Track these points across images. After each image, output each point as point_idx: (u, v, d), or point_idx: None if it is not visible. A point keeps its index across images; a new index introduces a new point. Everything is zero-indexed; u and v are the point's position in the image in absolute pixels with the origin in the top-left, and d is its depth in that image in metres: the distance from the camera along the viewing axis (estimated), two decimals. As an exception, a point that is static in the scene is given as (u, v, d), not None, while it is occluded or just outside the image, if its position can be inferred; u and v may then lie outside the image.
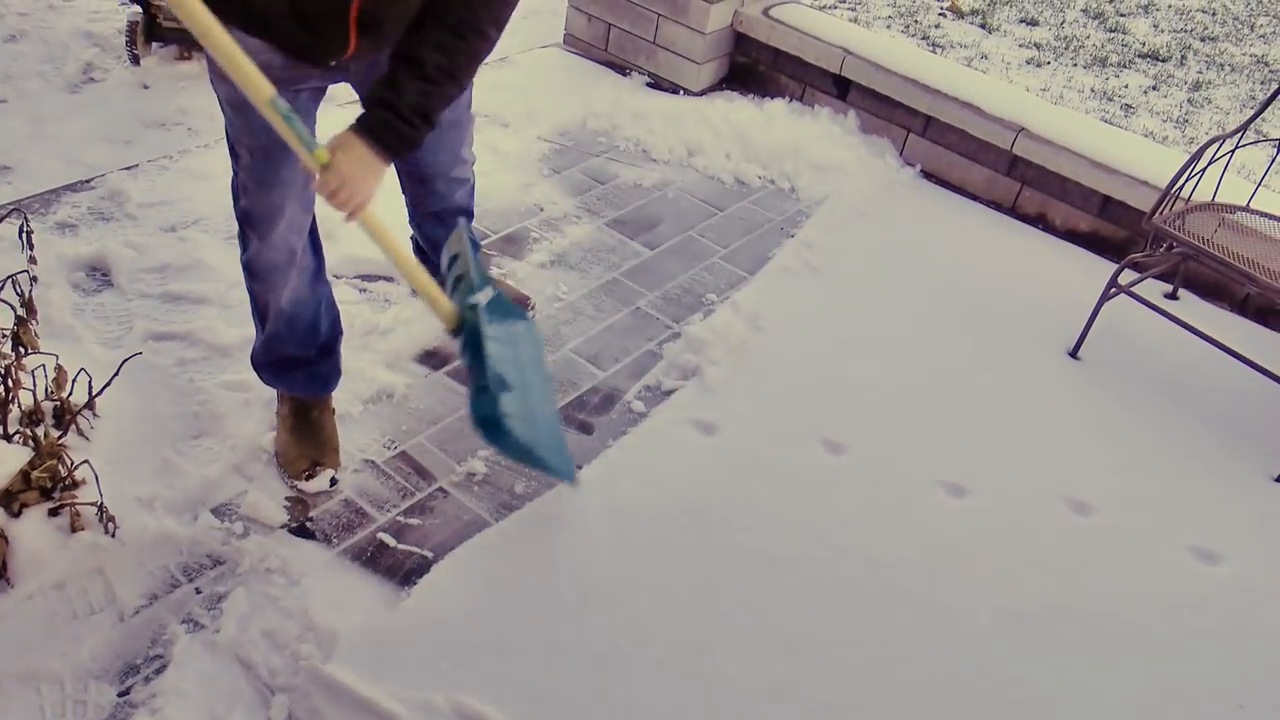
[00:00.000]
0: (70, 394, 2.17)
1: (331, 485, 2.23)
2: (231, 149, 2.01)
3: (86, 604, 1.93)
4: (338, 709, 1.80)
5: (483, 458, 2.37)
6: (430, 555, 2.14)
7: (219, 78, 1.88)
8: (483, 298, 1.96)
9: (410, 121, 1.77)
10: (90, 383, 2.17)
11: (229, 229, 2.91)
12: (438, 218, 2.52)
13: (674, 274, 3.11)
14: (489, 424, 1.87)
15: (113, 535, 2.02)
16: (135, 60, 3.65)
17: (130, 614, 1.94)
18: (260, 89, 1.64)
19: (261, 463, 2.26)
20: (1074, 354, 2.96)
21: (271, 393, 2.41)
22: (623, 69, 4.16)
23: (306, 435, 2.27)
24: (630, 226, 3.28)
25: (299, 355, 2.25)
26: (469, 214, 2.59)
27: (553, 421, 2.24)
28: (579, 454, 2.41)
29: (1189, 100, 4.97)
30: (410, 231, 2.63)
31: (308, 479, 2.22)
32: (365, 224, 1.81)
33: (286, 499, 2.20)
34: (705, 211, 3.44)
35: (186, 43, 3.71)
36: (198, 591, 2.00)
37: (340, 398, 2.40)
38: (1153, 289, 3.21)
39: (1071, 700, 2.03)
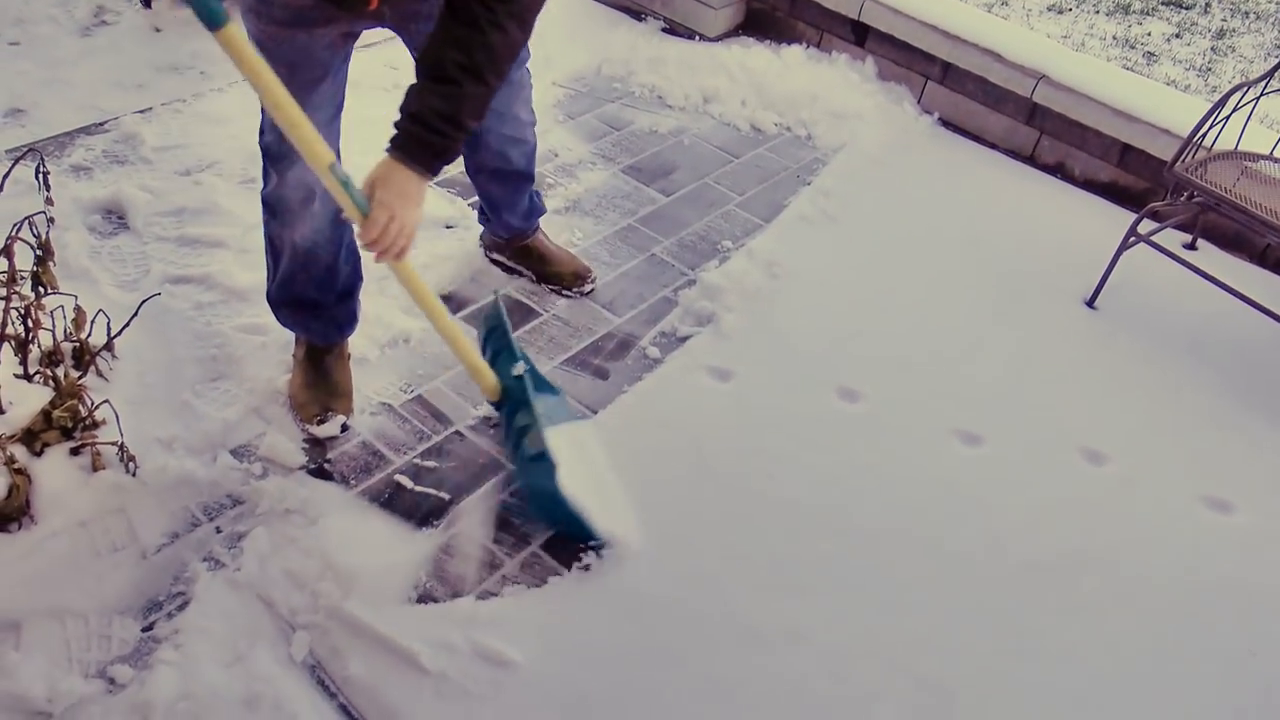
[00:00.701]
0: (89, 335, 2.18)
1: (343, 431, 2.24)
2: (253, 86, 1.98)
3: (109, 542, 1.96)
4: (357, 646, 1.82)
5: (499, 402, 2.37)
6: (447, 497, 2.16)
7: (249, 11, 1.86)
8: (520, 369, 2.06)
9: (439, 130, 1.71)
10: (109, 324, 2.18)
11: (244, 173, 2.92)
12: (495, 176, 2.49)
13: (689, 221, 3.09)
14: (546, 493, 1.95)
15: (133, 475, 2.04)
16: (147, 3, 3.61)
17: (152, 552, 1.96)
18: (320, 156, 1.66)
19: (279, 405, 2.28)
20: (1091, 304, 2.94)
21: (288, 336, 2.42)
22: (638, 14, 4.11)
23: (319, 380, 2.27)
24: (646, 173, 3.26)
25: (316, 299, 2.24)
26: (529, 177, 2.56)
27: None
28: (594, 399, 2.42)
29: (1213, 48, 4.89)
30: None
31: (319, 424, 2.22)
32: (408, 278, 1.82)
33: (305, 441, 2.22)
34: (721, 159, 3.41)
35: (198, -15, 3.67)
36: (218, 530, 2.02)
37: (357, 342, 2.41)
38: (1171, 240, 3.18)
39: (1085, 646, 2.04)
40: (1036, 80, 3.49)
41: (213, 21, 1.54)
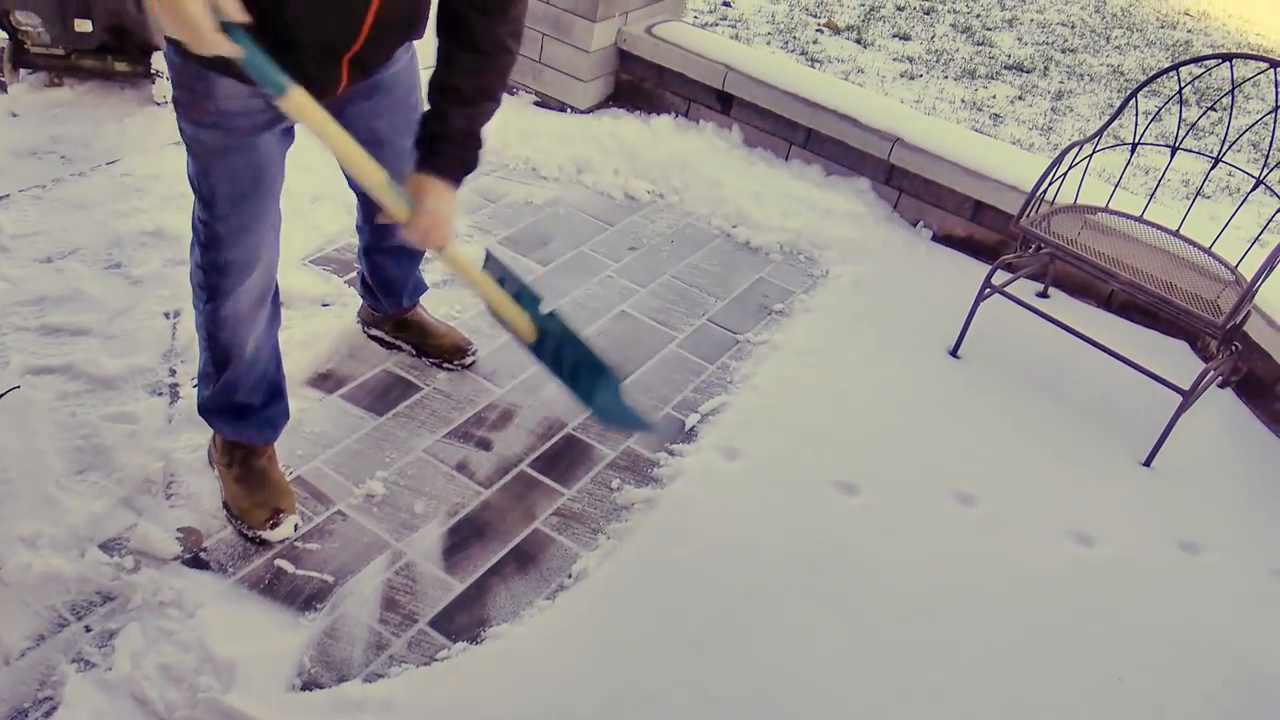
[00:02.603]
0: (-57, 433, 2.09)
1: (296, 530, 2.18)
2: (204, 199, 1.91)
3: (-32, 649, 1.86)
4: (240, 739, 1.77)
5: (381, 479, 2.35)
6: (330, 579, 2.12)
7: (199, 123, 1.81)
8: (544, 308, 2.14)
9: (466, 146, 1.89)
10: (-35, 420, 2.09)
11: (108, 257, 2.85)
12: (392, 253, 2.49)
13: (568, 289, 3.14)
14: (616, 404, 2.12)
15: (-6, 576, 1.95)
16: (2, 88, 3.52)
17: (16, 656, 1.87)
18: (375, 176, 1.79)
19: (150, 495, 2.21)
20: (954, 353, 3.08)
21: (159, 423, 2.37)
22: (510, 89, 4.19)
23: (257, 483, 2.19)
24: (523, 244, 3.30)
25: (250, 402, 2.18)
26: (421, 253, 2.57)
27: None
28: (484, 471, 2.42)
29: (1053, 109, 5.22)
30: (359, 267, 2.61)
31: (273, 528, 2.14)
32: (451, 259, 1.95)
33: (179, 530, 2.15)
34: (597, 227, 3.48)
35: (56, 68, 3.60)
36: (88, 629, 1.94)
37: (232, 425, 2.36)
38: (1025, 289, 3.37)
39: (962, 680, 2.11)
40: (892, 143, 3.67)
41: (276, 89, 1.60)
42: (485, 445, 2.52)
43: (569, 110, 4.12)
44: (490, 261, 2.17)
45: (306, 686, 1.90)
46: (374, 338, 2.75)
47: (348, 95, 1.92)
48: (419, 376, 2.68)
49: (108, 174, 3.23)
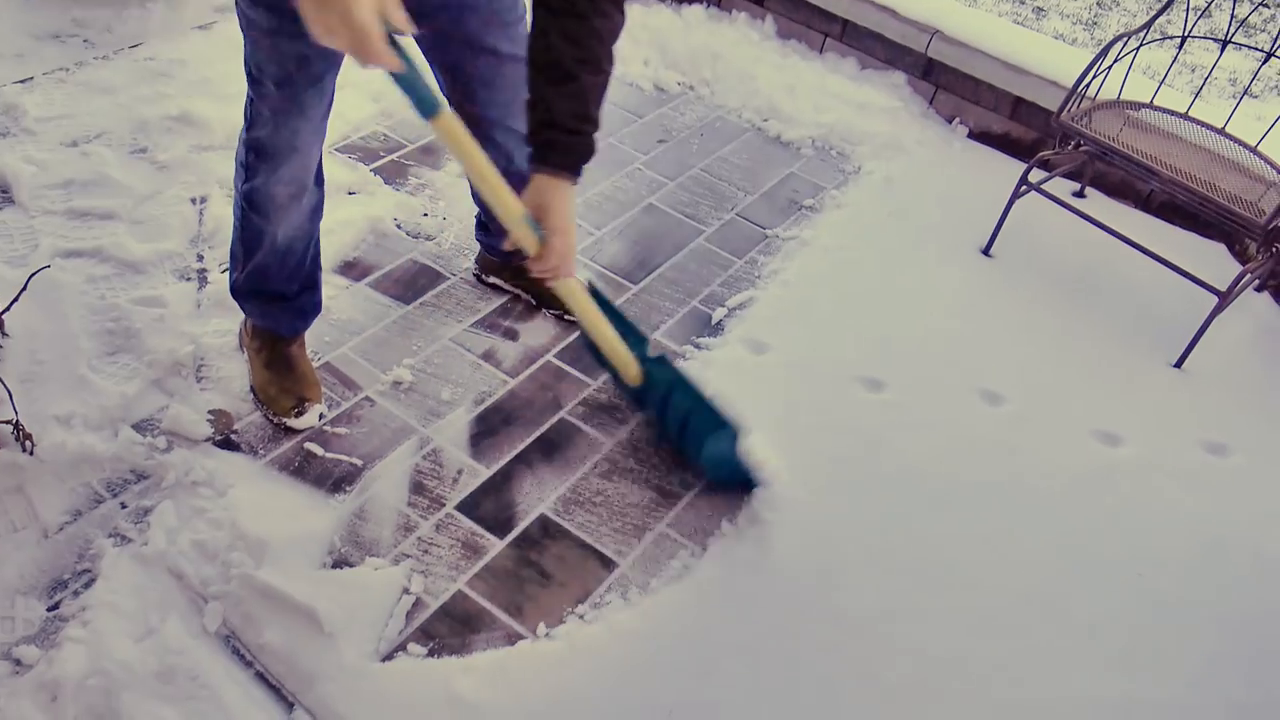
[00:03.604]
0: (-24, 313, 2.11)
1: (320, 420, 2.19)
2: (251, 76, 1.89)
3: (9, 522, 1.91)
4: (272, 613, 1.81)
5: (408, 366, 2.36)
6: (359, 463, 2.15)
7: (263, 7, 1.75)
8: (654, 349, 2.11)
9: (578, 131, 1.71)
10: (-4, 300, 2.11)
11: (134, 142, 2.84)
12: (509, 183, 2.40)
13: (596, 181, 3.09)
14: (731, 459, 2.05)
15: (30, 453, 1.98)
16: (22, -32, 3.46)
17: (54, 530, 1.92)
18: (513, 208, 1.73)
19: (181, 377, 2.23)
20: (986, 252, 3.03)
21: (189, 307, 2.38)
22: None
23: (286, 371, 2.20)
24: (549, 135, 3.25)
25: (283, 290, 2.17)
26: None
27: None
28: (510, 360, 2.43)
29: (1098, 2, 5.04)
30: (475, 212, 2.53)
31: (297, 415, 2.15)
32: (568, 291, 1.88)
33: (210, 412, 2.18)
34: (625, 119, 3.42)
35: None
36: (123, 506, 1.98)
37: (260, 311, 2.37)
38: (1062, 188, 3.30)
39: (991, 571, 2.13)
40: (930, 35, 3.56)
41: (427, 110, 1.57)
42: (512, 335, 2.51)
43: None
44: (593, 294, 2.06)
45: (336, 565, 1.95)
46: (493, 285, 2.63)
47: None
48: (445, 266, 2.67)
49: (131, 58, 3.19)
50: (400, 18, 1.45)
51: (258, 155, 1.97)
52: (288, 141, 1.94)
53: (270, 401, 2.18)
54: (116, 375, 2.21)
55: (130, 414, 2.14)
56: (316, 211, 2.15)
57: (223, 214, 2.63)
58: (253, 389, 2.22)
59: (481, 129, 2.20)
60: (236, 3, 1.81)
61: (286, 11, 1.72)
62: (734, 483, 2.16)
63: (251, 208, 2.05)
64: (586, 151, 1.75)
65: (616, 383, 2.11)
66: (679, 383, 2.03)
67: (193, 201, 2.69)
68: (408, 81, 1.53)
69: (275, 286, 2.17)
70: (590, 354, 2.11)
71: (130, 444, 2.07)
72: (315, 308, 2.27)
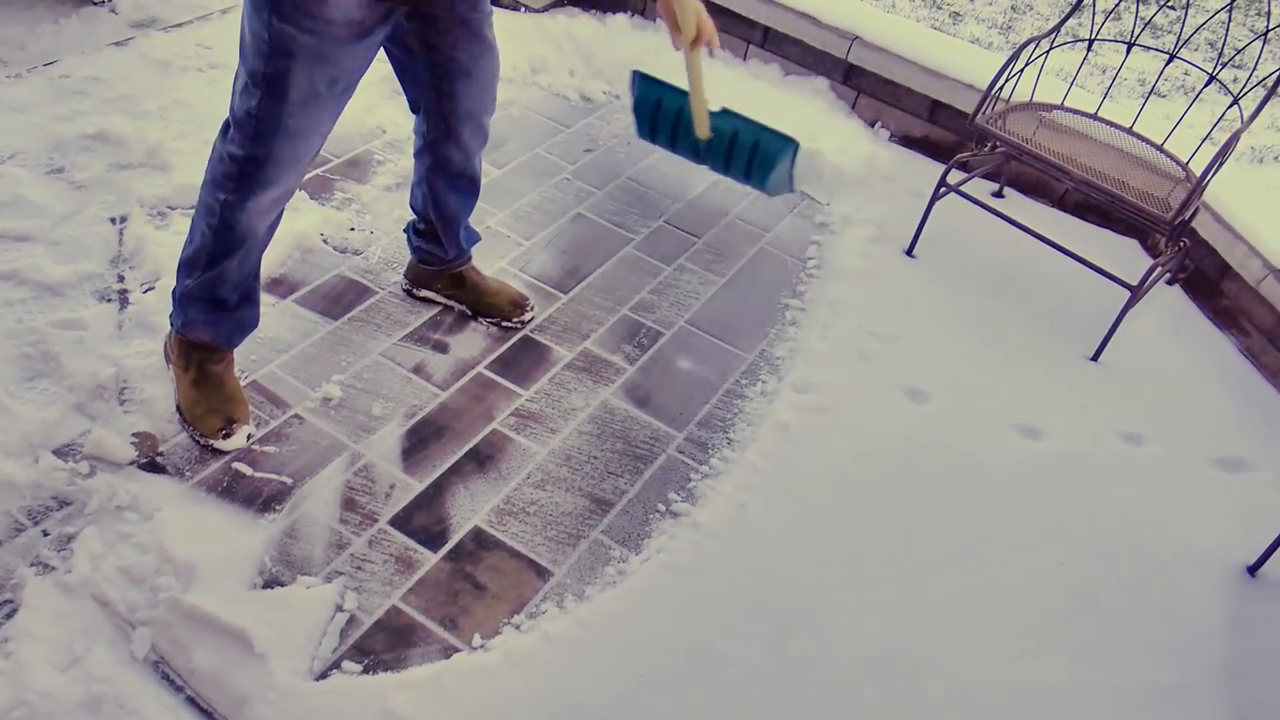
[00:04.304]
0: (-115, 341, 2.05)
1: (249, 440, 2.16)
2: (273, 94, 1.87)
3: (-76, 555, 1.86)
4: (202, 636, 1.79)
5: (337, 382, 2.35)
6: (289, 481, 2.13)
7: (299, 27, 1.80)
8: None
9: None
10: (-93, 327, 2.06)
11: (50, 162, 2.78)
12: (455, 183, 2.37)
13: (524, 191, 3.10)
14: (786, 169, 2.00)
15: (-53, 483, 1.94)
16: (-72, -15, 3.38)
17: (-27, 561, 1.88)
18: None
19: (104, 400, 2.19)
20: (909, 252, 3.10)
21: (108, 330, 2.34)
22: (461, -14, 4.07)
23: (214, 390, 2.16)
24: (476, 146, 3.25)
25: (227, 298, 2.13)
26: (478, 191, 2.44)
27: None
28: (441, 373, 2.43)
29: (1012, 6, 5.17)
30: (402, 225, 2.51)
31: (225, 437, 2.12)
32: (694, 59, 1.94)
33: (134, 434, 2.14)
34: (552, 129, 3.43)
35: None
36: (45, 534, 1.94)
37: (184, 330, 2.34)
38: (981, 189, 3.38)
39: (918, 565, 2.19)
40: (850, 41, 3.63)
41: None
42: (442, 348, 2.51)
43: (523, 9, 4.02)
44: (642, 80, 2.06)
45: (268, 585, 1.93)
46: (424, 298, 2.62)
47: None
48: (373, 280, 2.66)
49: (45, 76, 3.13)
50: None
51: (259, 168, 1.95)
52: (299, 156, 1.98)
53: (197, 421, 2.15)
54: (36, 400, 2.16)
55: (51, 439, 2.10)
56: (279, 218, 2.14)
57: (143, 233, 2.59)
58: (179, 409, 2.19)
59: (451, 124, 2.25)
60: (269, 26, 1.80)
61: (331, 36, 1.83)
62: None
63: (231, 221, 2.01)
64: None
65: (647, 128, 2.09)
66: (742, 124, 2.01)
67: (112, 221, 2.65)
68: None
69: (223, 294, 2.14)
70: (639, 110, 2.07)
71: (51, 470, 2.03)
72: (253, 321, 2.24)
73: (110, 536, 1.94)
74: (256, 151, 1.94)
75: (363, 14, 1.86)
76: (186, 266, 2.13)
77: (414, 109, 2.29)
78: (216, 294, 2.13)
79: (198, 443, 2.15)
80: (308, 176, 2.95)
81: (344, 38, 1.85)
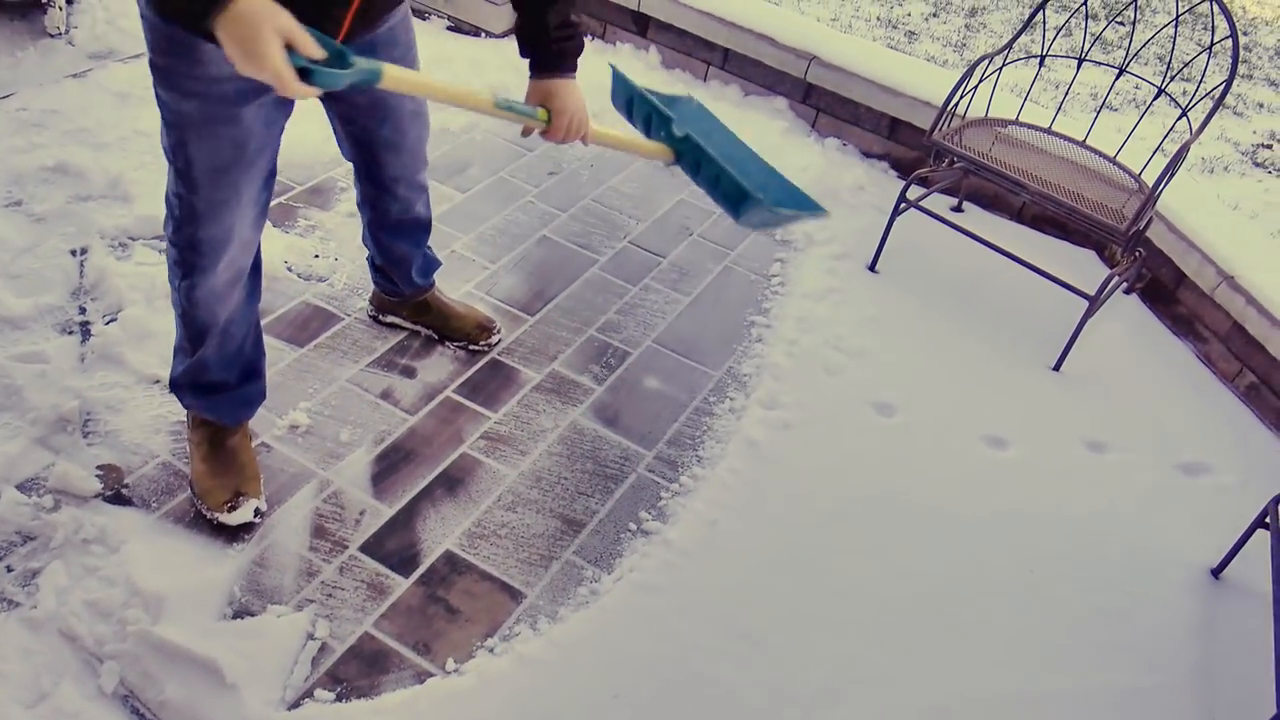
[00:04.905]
0: None
1: (256, 516, 2.08)
2: (180, 172, 1.79)
3: (-115, 594, 1.83)
4: (172, 668, 1.77)
5: (304, 410, 2.34)
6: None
7: (180, 91, 1.69)
8: (677, 127, 2.03)
9: (568, 37, 1.87)
10: None
11: (8, 194, 2.76)
12: (398, 230, 2.38)
13: (488, 215, 3.11)
14: (752, 203, 1.92)
15: (-93, 521, 1.91)
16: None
17: (-65, 599, 1.85)
18: (481, 98, 1.72)
19: (67, 434, 2.17)
20: (872, 268, 3.14)
21: (70, 363, 2.32)
22: (422, 14, 4.09)
23: (224, 463, 2.10)
24: (440, 171, 3.26)
25: (224, 380, 2.09)
26: (429, 227, 2.45)
27: (772, 173, 2.17)
28: (410, 398, 2.42)
29: (966, 25, 5.26)
30: (366, 252, 2.49)
31: (230, 510, 2.05)
32: (598, 137, 1.95)
33: (99, 467, 2.12)
34: (514, 152, 3.44)
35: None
36: (9, 569, 1.91)
37: (150, 361, 2.32)
38: (940, 204, 3.43)
39: (887, 577, 2.20)
40: (808, 61, 3.68)
41: (372, 77, 1.54)
42: (409, 373, 2.51)
43: (483, 35, 4.05)
44: (618, 80, 2.08)
45: (238, 614, 1.91)
46: (390, 324, 2.62)
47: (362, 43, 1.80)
48: (339, 307, 2.65)
49: (2, 109, 3.10)
50: (309, 46, 1.44)
51: (195, 253, 1.87)
52: (227, 233, 1.86)
53: (204, 494, 2.08)
54: (-3, 435, 2.14)
55: (13, 474, 2.07)
56: (254, 295, 2.06)
57: (104, 264, 2.57)
58: (190, 481, 2.14)
59: (384, 185, 2.25)
60: (158, 97, 1.73)
61: (217, 97, 1.69)
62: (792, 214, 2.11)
63: (193, 306, 1.96)
64: (578, 51, 1.91)
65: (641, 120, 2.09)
66: (703, 158, 1.99)
67: (73, 253, 2.63)
68: (343, 80, 1.51)
69: (217, 377, 2.08)
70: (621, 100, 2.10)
71: (14, 505, 2.00)
72: (259, 395, 2.19)
73: (76, 570, 1.92)
74: (187, 235, 1.86)
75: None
76: (176, 353, 2.09)
77: (347, 156, 2.26)
78: (206, 379, 2.08)
79: (204, 516, 2.08)
80: (271, 204, 2.94)
81: (235, 96, 1.70)
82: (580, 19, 1.93)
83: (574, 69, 1.91)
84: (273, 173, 1.91)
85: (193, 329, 2.00)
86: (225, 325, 2.01)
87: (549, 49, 1.88)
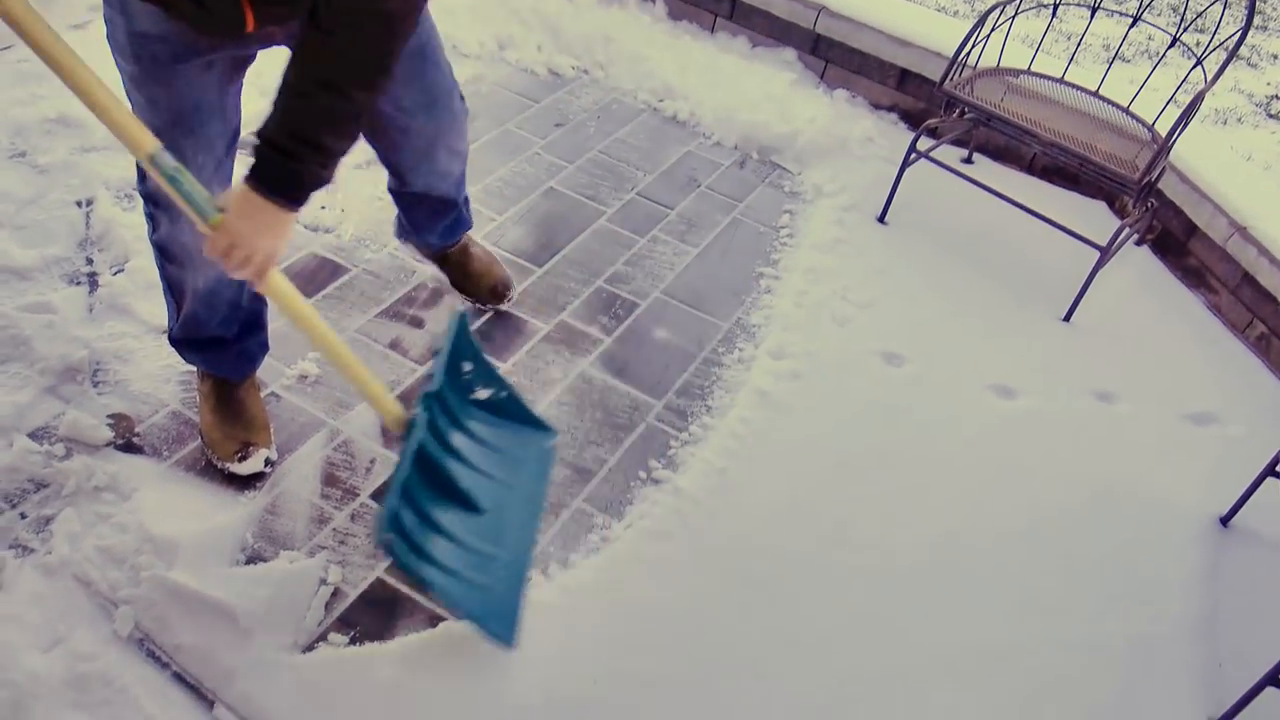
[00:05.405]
0: None
1: (267, 466, 2.07)
2: None
3: (-101, 540, 1.84)
4: (186, 613, 1.78)
5: (313, 359, 2.34)
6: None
7: (116, 49, 1.66)
8: (482, 394, 1.92)
9: (293, 154, 1.48)
10: (-127, 313, 2.02)
11: (12, 146, 2.74)
12: (416, 201, 2.34)
13: (494, 167, 3.09)
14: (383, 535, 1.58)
15: (-80, 469, 1.92)
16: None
17: (-50, 546, 1.86)
18: (140, 143, 1.46)
19: (77, 383, 2.17)
20: (882, 219, 3.11)
21: (78, 313, 2.32)
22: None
23: (233, 414, 2.10)
24: (445, 123, 3.23)
25: (221, 335, 2.07)
26: (455, 202, 2.38)
27: (514, 567, 1.87)
28: (418, 348, 2.42)
29: (978, -23, 5.19)
30: (374, 204, 2.42)
31: (240, 460, 2.04)
32: (271, 294, 1.59)
33: (110, 416, 2.12)
34: (521, 104, 3.41)
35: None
36: (22, 516, 1.92)
37: (158, 312, 2.32)
38: (950, 155, 3.40)
39: (895, 528, 2.21)
40: (817, 12, 3.63)
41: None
42: (417, 323, 2.50)
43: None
44: (461, 332, 1.89)
45: (250, 561, 1.92)
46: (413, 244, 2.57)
47: (267, 36, 1.70)
48: (346, 258, 2.64)
49: (2, 61, 3.07)
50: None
51: (154, 205, 1.86)
52: None
53: (214, 445, 2.08)
54: (7, 384, 2.14)
55: (24, 423, 2.07)
56: None
57: (110, 215, 2.56)
58: (200, 432, 2.13)
59: (402, 173, 2.26)
60: (115, 58, 1.71)
61: (149, 57, 1.62)
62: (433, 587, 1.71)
63: (165, 257, 1.94)
64: (303, 180, 1.52)
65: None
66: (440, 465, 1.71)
67: (78, 204, 2.62)
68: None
69: (210, 332, 2.06)
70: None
71: (26, 453, 2.01)
72: (261, 348, 2.17)
73: (89, 517, 1.92)
74: (144, 189, 1.86)
75: (175, 30, 1.59)
76: (168, 309, 2.07)
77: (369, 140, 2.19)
78: (203, 334, 2.05)
79: (215, 466, 2.08)
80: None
81: (164, 60, 1.62)
82: (326, 148, 1.50)
83: (278, 194, 1.51)
84: (235, 134, 1.82)
85: (169, 283, 2.00)
86: (212, 283, 1.96)
87: (261, 150, 1.48)
